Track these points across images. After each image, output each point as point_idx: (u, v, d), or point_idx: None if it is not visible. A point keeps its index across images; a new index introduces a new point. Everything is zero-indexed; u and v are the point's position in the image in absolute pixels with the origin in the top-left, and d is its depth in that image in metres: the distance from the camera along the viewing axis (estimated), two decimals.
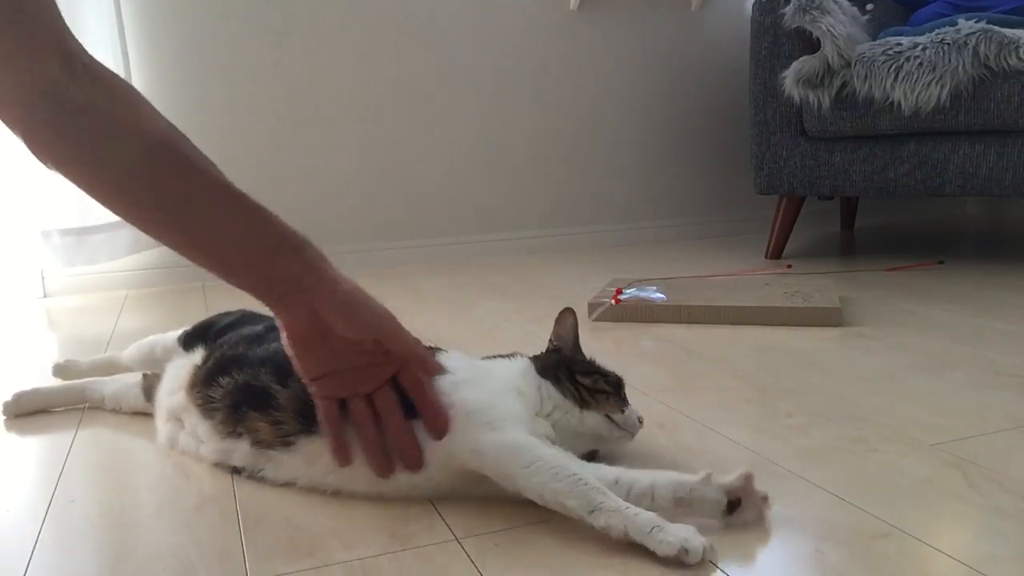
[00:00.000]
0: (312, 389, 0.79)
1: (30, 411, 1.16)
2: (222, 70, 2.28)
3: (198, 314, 1.83)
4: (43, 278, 2.20)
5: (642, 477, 0.74)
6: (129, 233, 2.15)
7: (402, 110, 2.45)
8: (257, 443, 0.86)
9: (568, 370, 0.88)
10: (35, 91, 0.68)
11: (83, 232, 2.11)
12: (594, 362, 0.92)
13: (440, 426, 0.78)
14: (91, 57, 0.72)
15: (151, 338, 1.16)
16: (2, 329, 1.84)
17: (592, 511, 0.70)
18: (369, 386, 0.79)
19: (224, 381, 0.89)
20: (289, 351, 0.78)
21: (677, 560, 0.66)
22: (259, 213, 0.75)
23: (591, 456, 0.83)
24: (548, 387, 0.87)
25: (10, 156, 2.03)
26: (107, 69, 0.73)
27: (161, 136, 0.73)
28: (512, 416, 0.79)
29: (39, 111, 0.69)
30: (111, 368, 1.23)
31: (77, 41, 0.71)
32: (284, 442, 0.84)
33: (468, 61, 2.50)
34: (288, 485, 0.86)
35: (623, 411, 0.87)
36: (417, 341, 0.81)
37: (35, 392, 1.18)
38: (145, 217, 0.75)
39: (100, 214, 2.11)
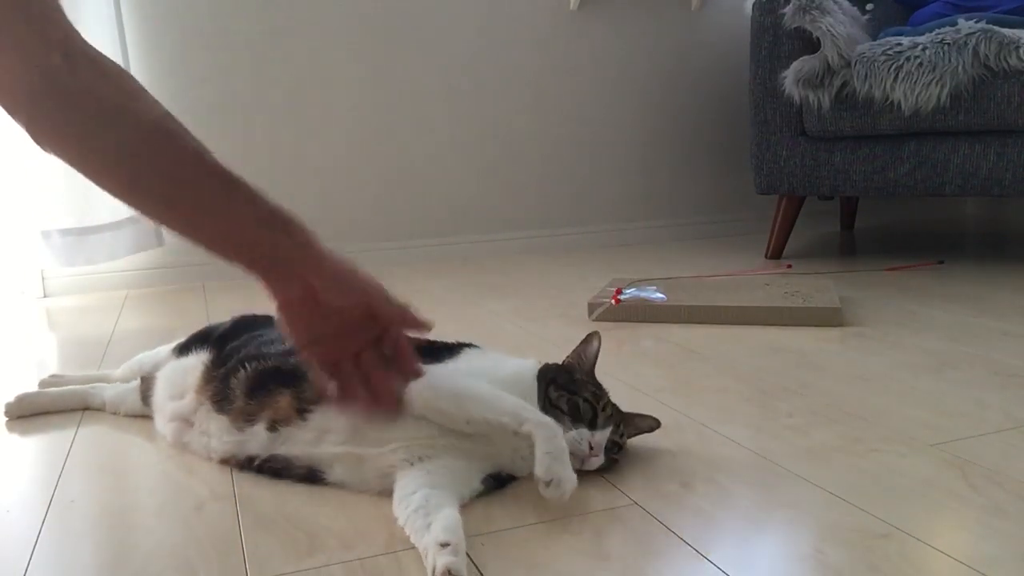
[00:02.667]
0: (304, 355, 0.85)
1: (32, 413, 1.16)
2: (222, 70, 2.28)
3: (198, 314, 1.84)
4: (43, 278, 2.21)
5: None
6: (129, 233, 2.15)
7: (402, 110, 2.45)
8: (273, 424, 0.88)
9: (552, 381, 0.89)
10: (35, 79, 0.70)
11: (83, 232, 2.11)
12: (588, 386, 0.89)
13: (409, 369, 0.85)
14: (91, 47, 0.74)
15: (140, 355, 1.19)
16: (2, 329, 1.84)
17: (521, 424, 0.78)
18: (356, 347, 0.84)
19: (247, 369, 0.92)
20: (282, 321, 0.83)
21: (545, 477, 0.75)
22: (249, 192, 0.79)
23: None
24: (533, 391, 0.88)
25: (10, 156, 2.03)
26: (106, 58, 0.75)
27: (157, 121, 0.76)
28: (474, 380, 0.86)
29: (41, 98, 0.71)
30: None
31: (77, 32, 0.73)
32: (301, 411, 0.86)
33: (468, 61, 2.50)
34: (294, 477, 0.87)
35: (568, 431, 0.83)
36: (404, 305, 0.85)
37: (38, 395, 1.18)
38: (141, 197, 0.78)
39: (100, 214, 2.11)
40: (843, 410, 1.04)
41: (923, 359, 1.26)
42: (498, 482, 0.84)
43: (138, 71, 2.17)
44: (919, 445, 0.92)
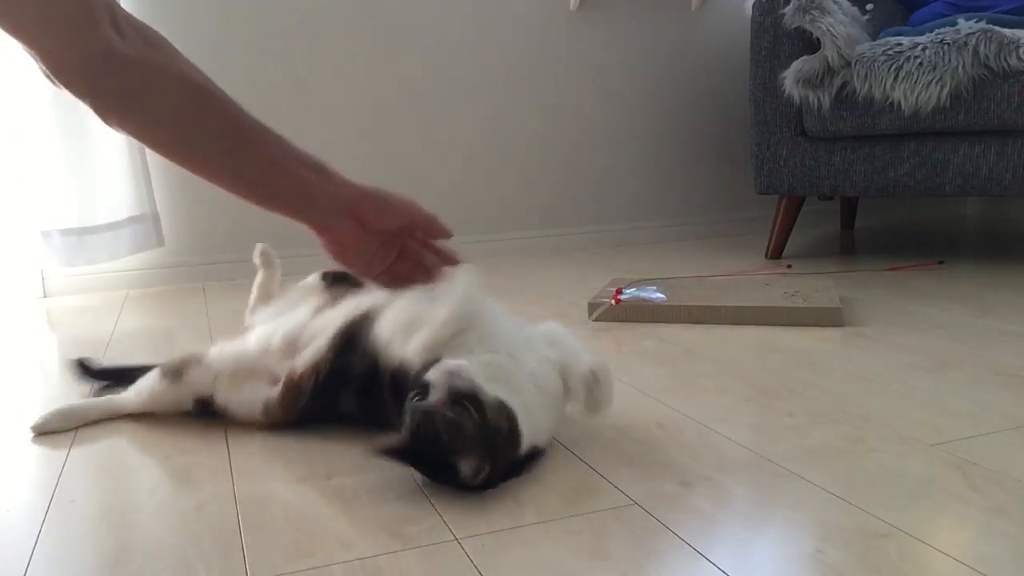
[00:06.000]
0: (364, 276, 0.97)
1: (70, 428, 1.11)
2: (222, 70, 2.27)
3: (198, 314, 1.84)
4: (43, 278, 2.20)
5: None
6: (129, 233, 2.15)
7: (402, 110, 2.45)
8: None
9: None
10: (98, 56, 0.72)
11: (83, 232, 2.11)
12: None
13: (450, 257, 0.99)
14: (124, 10, 0.77)
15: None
16: (2, 329, 1.84)
17: None
18: (394, 254, 0.95)
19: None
20: (336, 256, 0.92)
21: None
22: (288, 143, 0.88)
23: None
24: None
25: (10, 156, 2.03)
26: (139, 21, 0.78)
27: (201, 82, 0.81)
28: None
29: (103, 74, 0.74)
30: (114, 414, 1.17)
31: (119, 3, 0.76)
32: None
33: (468, 61, 2.50)
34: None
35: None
36: (433, 215, 0.96)
37: (71, 409, 1.13)
38: (201, 161, 0.83)
39: (100, 214, 2.11)
40: (843, 410, 1.04)
41: (923, 359, 1.26)
42: None
43: None
44: (919, 445, 0.92)
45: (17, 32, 0.69)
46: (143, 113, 0.78)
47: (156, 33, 0.79)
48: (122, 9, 0.76)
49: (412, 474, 0.87)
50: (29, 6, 0.68)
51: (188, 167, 0.83)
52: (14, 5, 0.68)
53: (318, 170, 0.88)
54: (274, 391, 1.02)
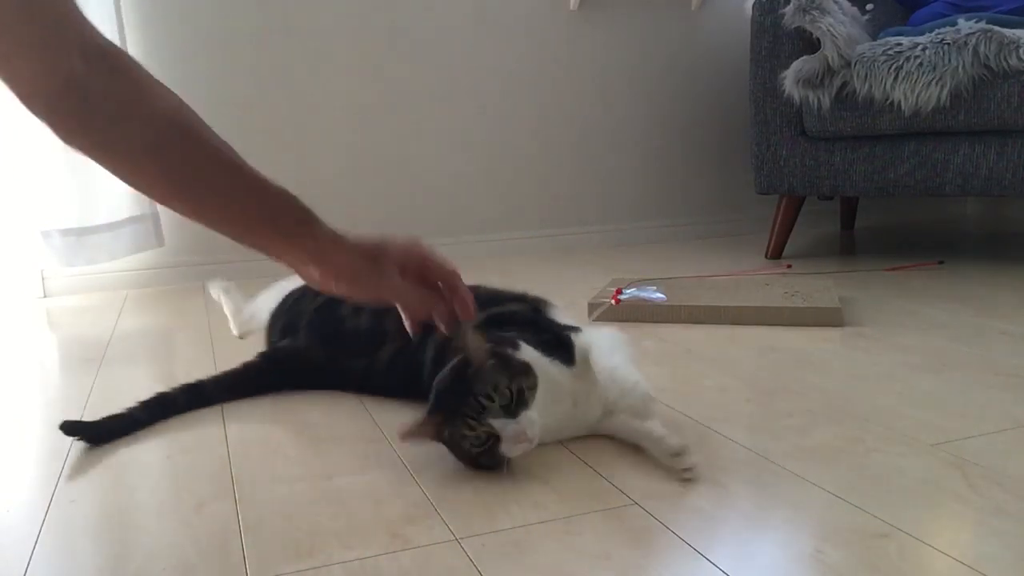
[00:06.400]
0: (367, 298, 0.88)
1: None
2: (222, 70, 2.27)
3: (198, 314, 1.84)
4: (43, 278, 2.20)
5: None
6: (129, 233, 2.15)
7: (402, 110, 2.45)
8: None
9: None
10: (57, 83, 0.70)
11: (83, 232, 2.11)
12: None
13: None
14: (102, 38, 0.74)
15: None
16: (2, 329, 1.84)
17: None
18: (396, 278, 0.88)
19: None
20: (340, 285, 0.84)
21: None
22: (259, 185, 0.82)
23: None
24: None
25: (10, 156, 2.03)
26: (119, 49, 0.76)
27: (171, 115, 0.77)
28: None
29: (62, 102, 0.71)
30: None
31: (92, 25, 0.73)
32: None
33: (468, 61, 2.50)
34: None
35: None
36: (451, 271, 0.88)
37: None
38: (166, 195, 0.79)
39: (100, 214, 2.11)
40: (843, 410, 1.04)
41: (923, 359, 1.26)
42: None
43: None
44: (919, 445, 0.92)
45: None
46: (99, 140, 0.75)
47: (133, 63, 0.76)
48: (97, 37, 0.73)
49: (412, 474, 0.88)
50: None
51: (141, 191, 0.81)
52: None
53: (285, 217, 0.84)
54: None
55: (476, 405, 0.84)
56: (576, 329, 1.02)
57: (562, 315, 1.11)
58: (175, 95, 0.78)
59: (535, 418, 0.85)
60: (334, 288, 0.84)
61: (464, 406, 0.84)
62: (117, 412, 1.07)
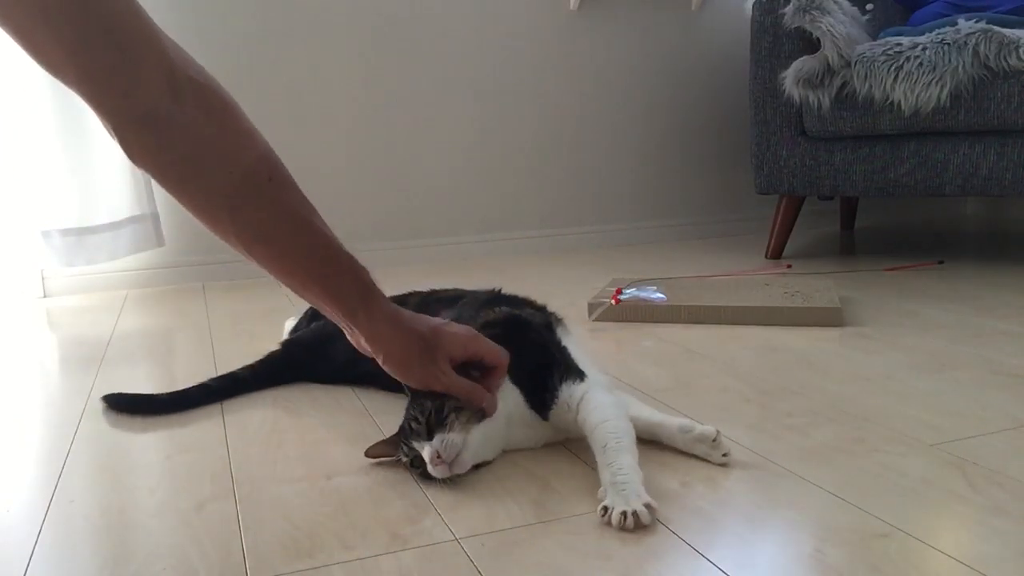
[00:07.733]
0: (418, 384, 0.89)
1: None
2: (221, 71, 2.26)
3: (198, 314, 1.84)
4: (43, 278, 2.20)
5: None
6: (129, 233, 2.15)
7: (402, 110, 2.45)
8: None
9: None
10: (137, 112, 0.67)
11: (83, 232, 2.11)
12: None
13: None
14: (197, 67, 0.72)
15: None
16: (2, 329, 1.84)
17: None
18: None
19: None
20: (397, 366, 0.86)
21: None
22: (332, 254, 0.81)
23: None
24: None
25: (10, 156, 2.03)
26: (211, 80, 0.73)
27: (253, 168, 0.75)
28: None
29: (138, 130, 0.69)
30: None
31: (181, 51, 0.70)
32: None
33: (468, 61, 2.50)
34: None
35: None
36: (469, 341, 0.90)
37: None
38: (227, 235, 0.78)
39: (100, 214, 2.11)
40: (843, 410, 1.04)
41: (923, 359, 1.26)
42: None
43: None
44: (919, 445, 0.92)
45: (58, 73, 0.64)
46: (170, 172, 0.73)
47: (224, 98, 0.73)
48: (192, 67, 0.70)
49: (412, 474, 0.88)
50: (58, 50, 0.63)
51: (228, 243, 0.79)
52: (47, 47, 0.63)
53: (349, 293, 0.84)
54: None
55: (406, 427, 0.87)
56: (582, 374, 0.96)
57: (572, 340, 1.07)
58: (263, 142, 0.76)
59: (455, 440, 0.83)
60: (381, 366, 0.86)
61: (402, 428, 0.88)
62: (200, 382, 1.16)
